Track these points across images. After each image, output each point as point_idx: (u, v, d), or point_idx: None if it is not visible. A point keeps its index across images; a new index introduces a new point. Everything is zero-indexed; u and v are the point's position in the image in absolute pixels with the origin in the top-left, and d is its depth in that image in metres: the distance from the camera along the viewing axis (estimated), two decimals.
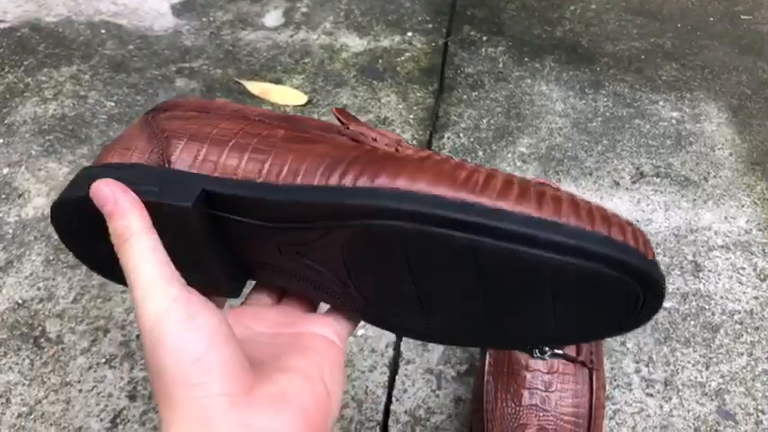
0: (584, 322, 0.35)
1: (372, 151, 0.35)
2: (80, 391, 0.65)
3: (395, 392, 0.66)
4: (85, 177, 0.36)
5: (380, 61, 1.05)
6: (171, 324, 0.31)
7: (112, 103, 0.96)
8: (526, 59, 1.07)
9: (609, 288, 0.32)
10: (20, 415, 0.64)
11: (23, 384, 0.66)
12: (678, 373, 0.69)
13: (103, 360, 0.68)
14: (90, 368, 0.67)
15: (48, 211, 0.81)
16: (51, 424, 0.63)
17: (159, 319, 0.31)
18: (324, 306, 0.40)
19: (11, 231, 0.79)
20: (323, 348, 0.36)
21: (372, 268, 0.35)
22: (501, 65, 1.06)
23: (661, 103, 1.00)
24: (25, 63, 1.02)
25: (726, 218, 0.84)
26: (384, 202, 0.32)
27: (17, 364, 0.67)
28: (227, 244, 0.37)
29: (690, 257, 0.79)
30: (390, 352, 0.69)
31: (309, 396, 0.33)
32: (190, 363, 0.30)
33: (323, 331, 0.37)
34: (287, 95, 0.98)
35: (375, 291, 0.36)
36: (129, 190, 0.34)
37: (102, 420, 0.63)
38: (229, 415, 0.30)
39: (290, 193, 0.34)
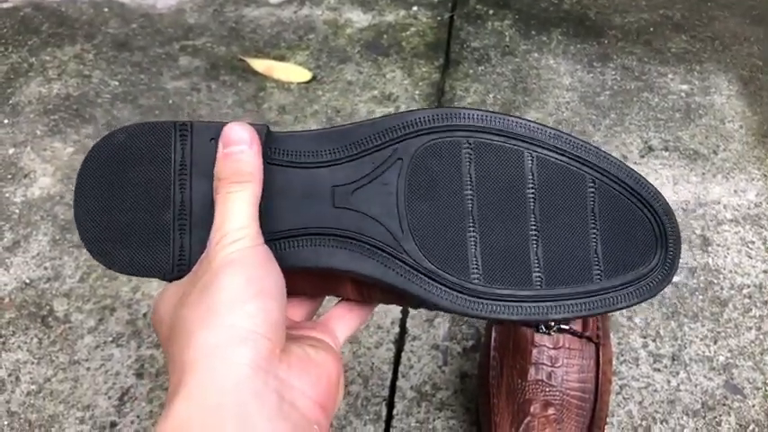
0: (621, 248, 0.38)
1: None
2: (88, 369, 0.66)
3: (401, 368, 0.66)
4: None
5: (385, 36, 1.04)
6: (252, 259, 0.32)
7: (116, 82, 0.96)
8: (533, 33, 1.06)
9: (637, 218, 0.38)
10: (29, 393, 0.64)
11: (32, 363, 0.66)
12: (686, 348, 0.68)
13: (111, 339, 0.68)
14: (97, 347, 0.67)
15: (54, 191, 0.81)
16: (60, 402, 0.64)
17: (243, 254, 0.32)
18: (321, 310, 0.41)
19: (17, 211, 0.79)
20: (327, 346, 0.37)
21: (431, 194, 0.38)
22: (507, 39, 1.05)
23: (670, 75, 0.99)
24: (29, 43, 1.02)
25: (735, 191, 0.83)
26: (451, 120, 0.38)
27: (26, 343, 0.68)
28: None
29: (698, 231, 0.79)
30: (396, 329, 0.69)
31: (332, 365, 0.34)
32: (252, 294, 0.31)
33: (321, 337, 0.38)
34: (291, 72, 0.97)
35: (430, 226, 0.38)
36: (258, 141, 0.36)
37: (110, 398, 0.64)
38: (266, 362, 0.30)
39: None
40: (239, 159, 0.35)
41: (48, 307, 0.70)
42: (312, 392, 0.31)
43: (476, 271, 0.37)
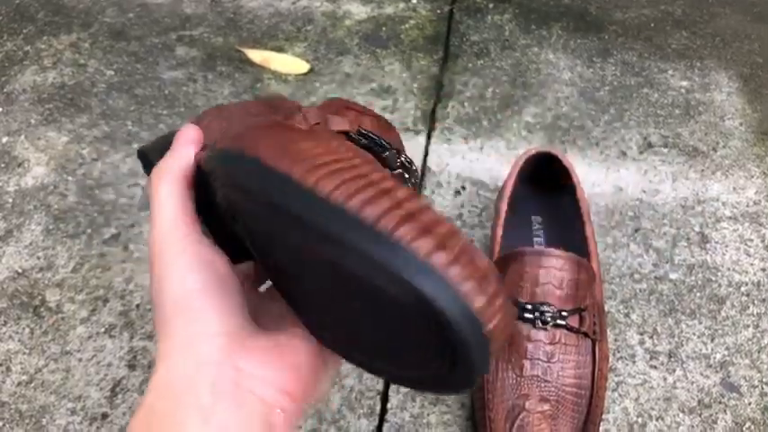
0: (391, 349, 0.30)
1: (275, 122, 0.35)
2: (80, 360, 0.65)
3: None
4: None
5: (384, 29, 1.03)
6: (184, 257, 0.33)
7: (112, 72, 0.95)
8: (533, 27, 1.05)
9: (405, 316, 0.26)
10: (20, 383, 0.64)
11: (23, 353, 0.66)
12: (683, 345, 0.68)
13: (103, 329, 0.67)
14: (90, 337, 0.67)
15: (47, 180, 0.80)
16: (51, 392, 0.63)
17: (173, 250, 0.33)
18: None
19: (10, 201, 0.78)
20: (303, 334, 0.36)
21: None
22: (507, 33, 1.04)
23: (670, 71, 0.98)
24: (24, 31, 1.01)
25: (734, 189, 0.83)
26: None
27: (17, 332, 0.67)
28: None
29: (697, 229, 0.78)
30: None
31: (304, 355, 0.33)
32: (193, 295, 0.32)
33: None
34: (288, 64, 0.96)
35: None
36: (199, 142, 0.37)
37: (101, 389, 0.63)
38: (222, 354, 0.31)
39: None
40: (170, 153, 0.37)
41: (40, 297, 0.70)
42: (274, 380, 0.32)
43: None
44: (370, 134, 0.38)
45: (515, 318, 0.27)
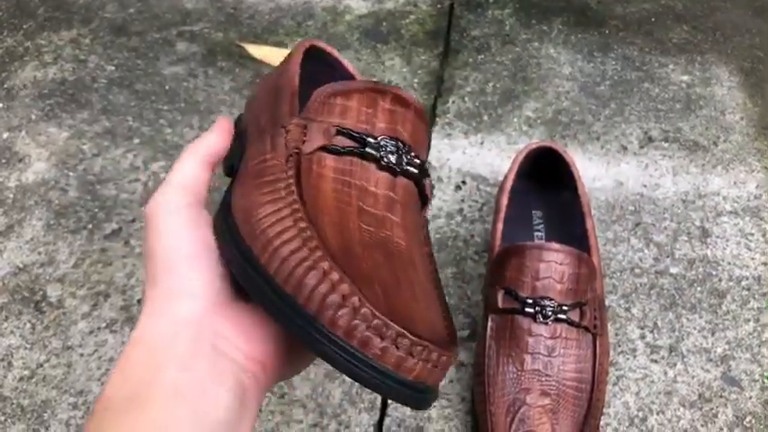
0: None
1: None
2: (81, 355, 0.65)
3: None
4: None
5: (384, 24, 1.03)
6: (180, 219, 0.36)
7: (113, 67, 0.95)
8: (533, 22, 1.05)
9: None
10: (21, 378, 0.64)
11: (25, 348, 0.66)
12: (683, 340, 0.68)
13: (104, 324, 0.67)
14: (91, 332, 0.67)
15: (48, 175, 0.80)
16: (53, 387, 0.63)
17: (172, 210, 0.36)
18: None
19: (11, 196, 0.78)
20: None
21: None
22: (508, 27, 1.04)
23: (671, 66, 0.98)
24: (24, 27, 1.01)
25: (735, 183, 0.83)
26: None
27: (18, 328, 0.67)
28: None
29: (697, 223, 0.78)
30: None
31: (278, 331, 0.35)
32: (183, 258, 0.34)
33: None
34: None
35: None
36: (229, 130, 0.43)
37: (102, 384, 0.63)
38: (202, 316, 0.33)
39: None
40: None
41: (41, 292, 0.70)
42: (248, 348, 0.34)
43: None
44: (351, 132, 0.38)
45: (440, 364, 0.31)
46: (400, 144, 0.39)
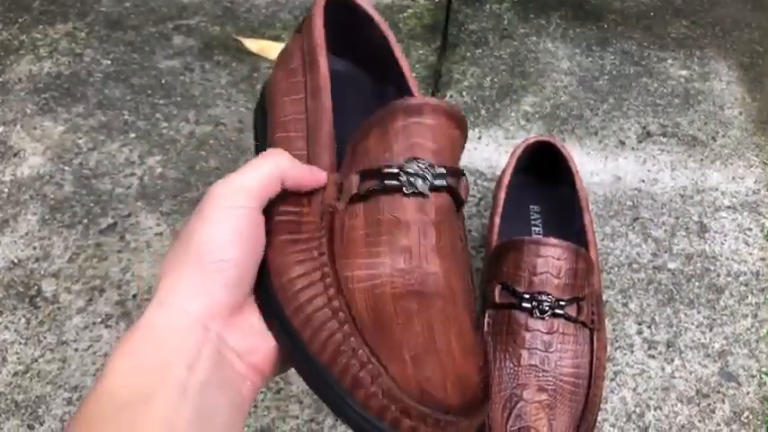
0: None
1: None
2: (76, 350, 0.65)
3: None
4: None
5: (382, 18, 1.02)
6: (229, 219, 0.35)
7: (108, 61, 0.94)
8: (531, 16, 1.05)
9: None
10: (16, 373, 0.63)
11: (19, 343, 0.65)
12: (681, 335, 0.68)
13: (99, 319, 0.67)
14: (86, 327, 0.67)
15: (43, 170, 0.80)
16: (48, 382, 0.63)
17: (224, 206, 0.35)
18: None
19: (6, 190, 0.78)
20: None
21: None
22: (506, 21, 1.03)
23: (669, 61, 0.98)
24: (20, 20, 1.00)
25: (733, 178, 0.82)
26: None
27: (13, 323, 0.67)
28: None
29: (696, 218, 0.78)
30: None
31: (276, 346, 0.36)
32: (215, 257, 0.34)
33: None
34: None
35: None
36: (321, 180, 0.40)
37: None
38: (212, 319, 0.34)
39: None
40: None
41: (36, 287, 0.70)
42: (248, 357, 0.35)
43: None
44: (370, 170, 0.37)
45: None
46: (420, 164, 0.37)
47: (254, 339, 0.35)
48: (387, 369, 0.32)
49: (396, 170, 0.37)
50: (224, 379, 0.33)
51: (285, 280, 0.35)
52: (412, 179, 0.37)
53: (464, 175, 0.40)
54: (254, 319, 0.36)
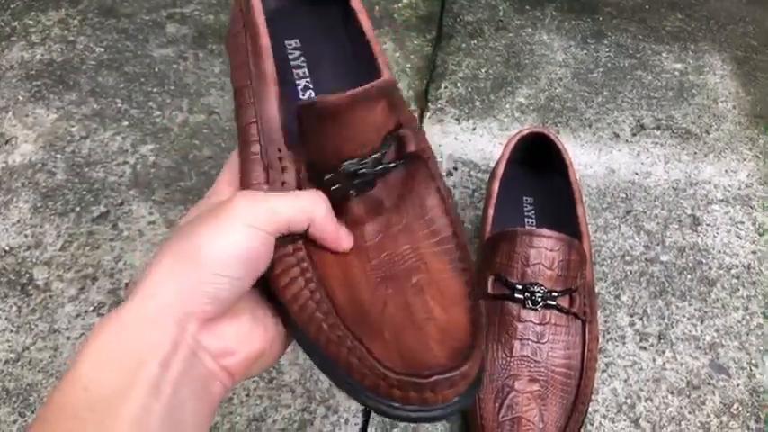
0: None
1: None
2: (68, 338, 0.65)
3: None
4: None
5: (377, 8, 1.02)
6: (241, 232, 0.34)
7: (102, 49, 0.94)
8: (527, 8, 1.04)
9: None
10: (7, 361, 0.63)
11: (11, 331, 0.65)
12: (672, 327, 0.68)
13: (91, 308, 0.67)
14: (78, 315, 0.66)
15: (35, 158, 0.79)
16: (39, 370, 0.63)
17: (243, 219, 0.34)
18: None
19: None
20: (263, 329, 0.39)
21: None
22: (501, 13, 1.03)
23: (664, 54, 0.98)
24: (11, 6, 0.99)
25: (726, 171, 0.83)
26: None
27: (4, 311, 0.67)
28: None
29: (688, 211, 0.78)
30: None
31: (258, 348, 0.37)
32: (221, 263, 0.33)
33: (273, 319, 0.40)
34: None
35: None
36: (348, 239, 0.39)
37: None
38: (189, 319, 0.33)
39: None
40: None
41: (28, 275, 0.69)
42: (220, 358, 0.35)
43: None
44: (323, 162, 0.37)
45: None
46: (367, 151, 0.37)
47: (229, 342, 0.35)
48: (371, 352, 0.33)
49: (346, 167, 0.37)
50: (196, 378, 0.33)
51: (272, 275, 0.36)
52: (365, 168, 0.38)
53: (402, 128, 0.39)
54: (232, 323, 0.36)
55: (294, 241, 0.36)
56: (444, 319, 0.36)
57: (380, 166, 0.38)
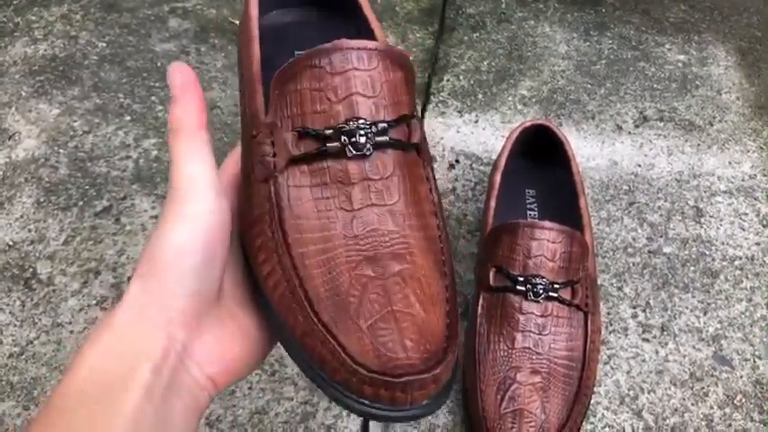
0: None
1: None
2: (71, 332, 0.65)
3: None
4: None
5: (379, 1, 1.02)
6: (190, 226, 0.35)
7: (104, 44, 0.94)
8: (529, 0, 1.04)
9: None
10: (11, 355, 0.63)
11: (15, 325, 0.65)
12: (675, 319, 0.68)
13: (94, 302, 0.67)
14: (81, 310, 0.67)
15: (38, 153, 0.80)
16: (43, 364, 0.63)
17: (188, 208, 0.35)
18: None
19: (1, 173, 0.78)
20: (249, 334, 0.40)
21: None
22: (503, 5, 1.03)
23: (667, 45, 0.97)
24: (14, 2, 1.00)
25: (730, 163, 0.82)
26: None
27: (8, 305, 0.67)
28: None
29: (692, 203, 0.78)
30: None
31: (243, 356, 0.38)
32: (185, 266, 0.34)
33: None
34: None
35: None
36: (198, 86, 0.38)
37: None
38: (178, 327, 0.34)
39: None
40: (172, 104, 0.38)
41: (31, 269, 0.69)
42: (207, 367, 0.35)
43: None
44: (308, 130, 0.36)
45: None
46: (361, 124, 0.36)
47: (215, 350, 0.36)
48: (344, 347, 0.33)
49: (335, 132, 0.36)
50: (184, 386, 0.34)
51: (254, 264, 0.37)
52: (354, 138, 0.36)
53: (414, 117, 0.38)
54: (216, 330, 0.36)
55: (271, 222, 0.36)
56: (422, 317, 0.35)
57: (385, 135, 0.36)
